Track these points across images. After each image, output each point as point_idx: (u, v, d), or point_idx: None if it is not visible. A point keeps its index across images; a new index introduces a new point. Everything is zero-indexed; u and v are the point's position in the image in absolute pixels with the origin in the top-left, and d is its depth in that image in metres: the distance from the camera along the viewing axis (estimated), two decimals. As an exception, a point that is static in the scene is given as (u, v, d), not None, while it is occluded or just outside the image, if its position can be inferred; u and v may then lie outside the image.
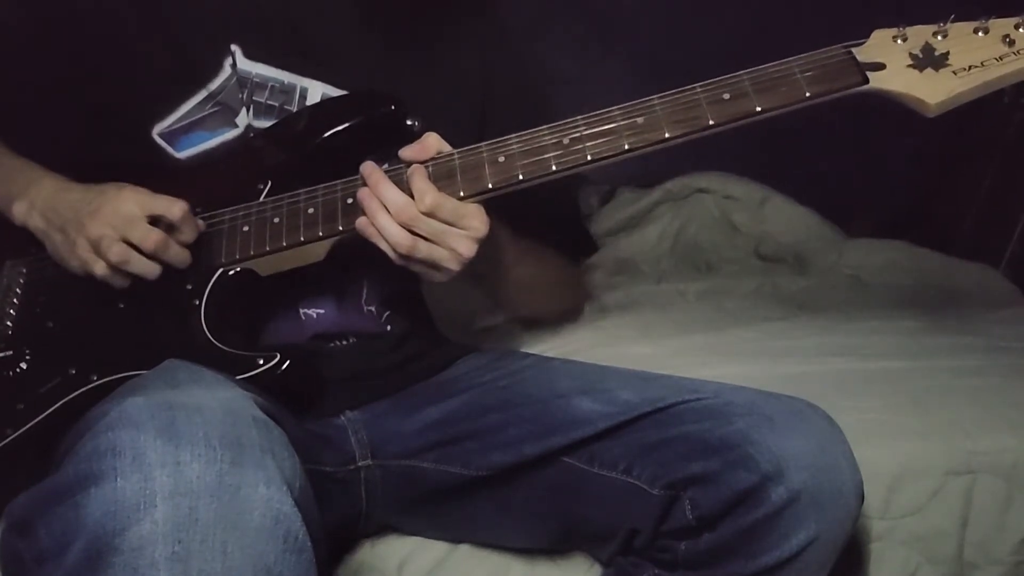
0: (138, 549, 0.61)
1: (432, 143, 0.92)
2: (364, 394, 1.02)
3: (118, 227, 0.87)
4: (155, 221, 0.89)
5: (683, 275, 1.83)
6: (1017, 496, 1.10)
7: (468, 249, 0.89)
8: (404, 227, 0.87)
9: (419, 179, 0.89)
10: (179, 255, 0.91)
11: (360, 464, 0.97)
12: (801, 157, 2.08)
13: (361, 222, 0.90)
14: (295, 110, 1.01)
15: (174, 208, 0.89)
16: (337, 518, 0.95)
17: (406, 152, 0.92)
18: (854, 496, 0.83)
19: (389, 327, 1.06)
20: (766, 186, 2.05)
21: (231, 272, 0.94)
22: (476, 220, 0.89)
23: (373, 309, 1.05)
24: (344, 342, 1.03)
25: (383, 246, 0.89)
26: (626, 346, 1.35)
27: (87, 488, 0.63)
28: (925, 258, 1.87)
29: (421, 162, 0.91)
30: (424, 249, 0.88)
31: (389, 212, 0.88)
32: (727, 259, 1.93)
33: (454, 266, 0.89)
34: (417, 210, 0.87)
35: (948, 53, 0.86)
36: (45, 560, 0.64)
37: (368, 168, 0.91)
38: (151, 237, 0.88)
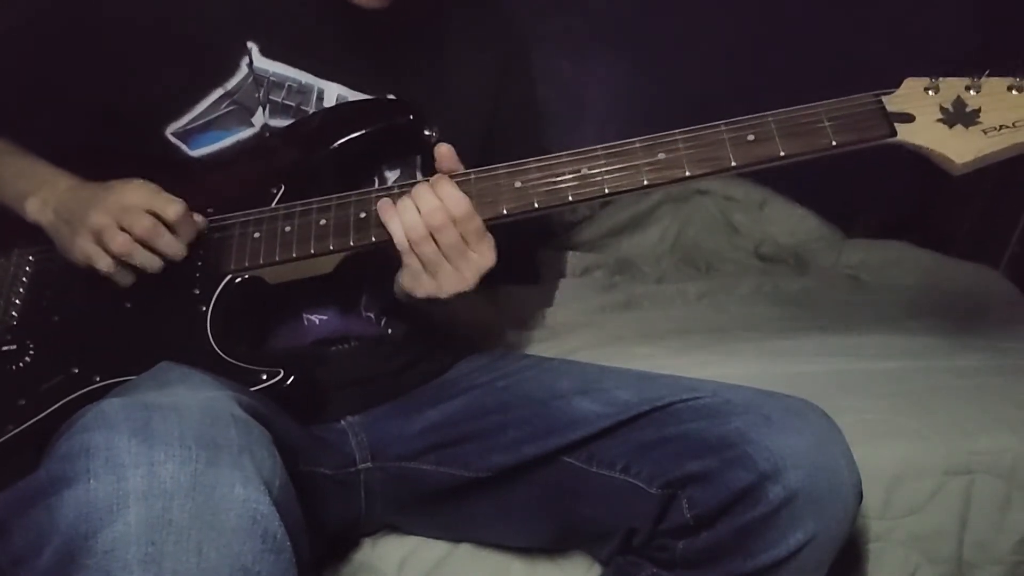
0: (111, 551, 0.60)
1: (450, 153, 0.90)
2: (365, 399, 1.01)
3: (116, 215, 0.87)
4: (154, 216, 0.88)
5: (683, 275, 1.83)
6: (1016, 496, 1.10)
7: (473, 277, 0.87)
8: (427, 227, 0.85)
9: (449, 185, 0.87)
10: (170, 245, 0.89)
11: (360, 467, 0.97)
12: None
13: (384, 203, 0.89)
14: (312, 111, 0.99)
15: (169, 209, 0.88)
16: (337, 519, 0.95)
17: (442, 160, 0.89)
18: (852, 495, 0.83)
19: (389, 330, 1.05)
20: (766, 187, 2.05)
21: (239, 279, 0.93)
22: (490, 252, 0.87)
23: (372, 315, 1.04)
24: (345, 346, 1.02)
25: (394, 227, 0.87)
26: (626, 346, 1.35)
27: (60, 490, 0.63)
28: (925, 258, 1.87)
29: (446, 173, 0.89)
30: (430, 253, 0.86)
31: (419, 210, 0.86)
32: (727, 260, 1.93)
33: (453, 287, 0.87)
34: (448, 214, 0.85)
35: (980, 110, 0.83)
36: (20, 563, 0.64)
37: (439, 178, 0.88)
38: (140, 223, 0.86)
